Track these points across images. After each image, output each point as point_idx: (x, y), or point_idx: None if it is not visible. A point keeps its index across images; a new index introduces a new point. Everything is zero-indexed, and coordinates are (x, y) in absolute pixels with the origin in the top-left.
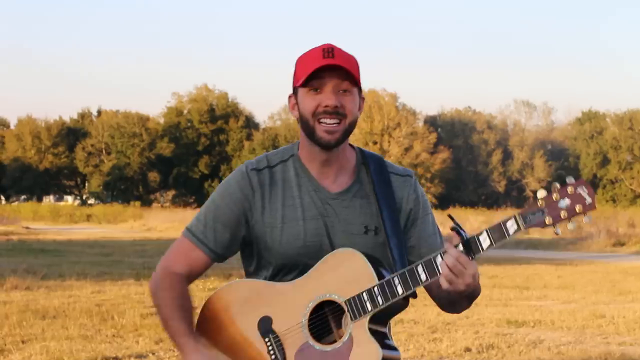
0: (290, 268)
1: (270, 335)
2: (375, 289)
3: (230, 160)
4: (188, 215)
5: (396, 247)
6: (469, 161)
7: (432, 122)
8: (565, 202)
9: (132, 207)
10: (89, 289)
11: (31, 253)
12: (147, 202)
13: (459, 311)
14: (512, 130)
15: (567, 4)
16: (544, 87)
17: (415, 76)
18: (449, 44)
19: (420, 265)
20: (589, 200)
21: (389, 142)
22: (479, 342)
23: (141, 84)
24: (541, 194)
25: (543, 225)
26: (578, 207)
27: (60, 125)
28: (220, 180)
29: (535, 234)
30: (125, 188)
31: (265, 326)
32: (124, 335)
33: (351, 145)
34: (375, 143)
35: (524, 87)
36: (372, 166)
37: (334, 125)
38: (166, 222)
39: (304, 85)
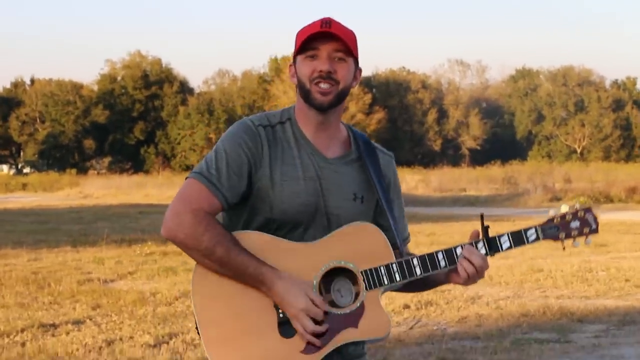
0: (284, 224)
1: None
2: (394, 266)
3: (165, 125)
4: (124, 182)
5: (390, 214)
6: (405, 121)
7: (366, 83)
8: (576, 223)
9: (68, 174)
10: (25, 257)
11: None
12: (83, 170)
13: (420, 291)
14: (447, 89)
15: None
16: (477, 46)
17: None
18: (381, 3)
19: (440, 253)
20: (593, 226)
21: None
22: (417, 299)
23: (74, 51)
24: (557, 212)
25: (556, 238)
26: (585, 230)
27: None
28: (155, 146)
29: (472, 190)
30: (61, 156)
31: None
32: (60, 302)
33: (342, 123)
34: None
35: (458, 45)
36: (360, 141)
37: (328, 87)
38: (103, 189)
39: (301, 52)
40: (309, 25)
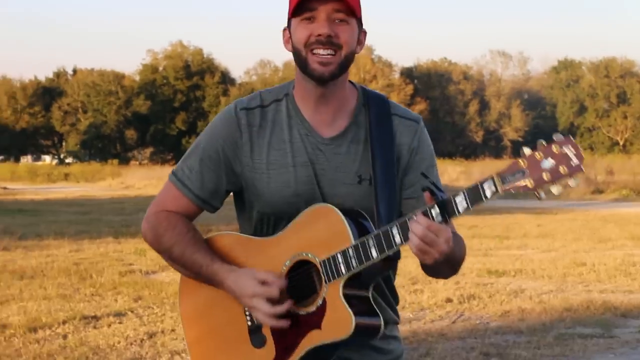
0: (279, 217)
1: None
2: (350, 250)
3: (207, 116)
4: (166, 172)
5: (385, 200)
6: (446, 112)
7: (408, 74)
8: (549, 162)
9: (109, 165)
10: (66, 248)
11: (8, 213)
12: (124, 160)
13: (444, 277)
14: (489, 80)
15: None
16: (519, 36)
17: (390, 28)
18: None
19: (395, 227)
20: (575, 161)
21: None
22: (460, 292)
23: (116, 41)
24: (524, 152)
25: (523, 187)
26: (562, 169)
27: (36, 85)
28: (197, 136)
29: None
30: (103, 146)
31: None
32: (102, 293)
33: (353, 84)
34: None
35: (499, 36)
36: (373, 107)
37: (328, 56)
38: (144, 180)
39: (296, 14)
40: None
